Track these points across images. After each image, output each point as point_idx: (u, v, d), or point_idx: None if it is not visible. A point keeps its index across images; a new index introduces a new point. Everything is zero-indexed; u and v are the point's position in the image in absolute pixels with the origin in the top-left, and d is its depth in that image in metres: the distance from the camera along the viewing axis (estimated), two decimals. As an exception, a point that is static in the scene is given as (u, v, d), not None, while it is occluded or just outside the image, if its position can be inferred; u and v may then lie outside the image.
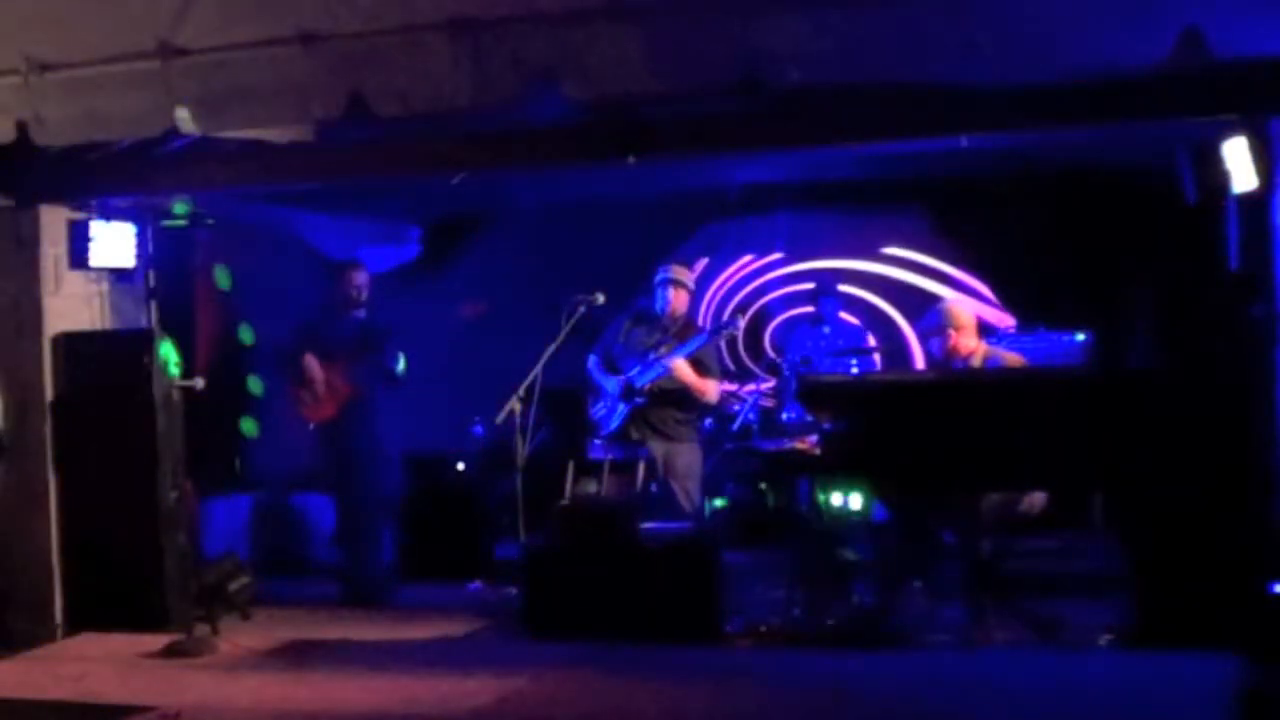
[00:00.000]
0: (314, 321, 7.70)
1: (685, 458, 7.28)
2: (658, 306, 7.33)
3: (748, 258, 9.41)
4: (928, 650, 5.65)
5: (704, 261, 9.45)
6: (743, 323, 7.54)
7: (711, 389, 7.35)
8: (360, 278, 7.76)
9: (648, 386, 7.12)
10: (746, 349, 9.00)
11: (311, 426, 7.58)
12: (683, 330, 7.31)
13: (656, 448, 7.16)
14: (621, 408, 7.19)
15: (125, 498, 6.58)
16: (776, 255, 9.37)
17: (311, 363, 7.48)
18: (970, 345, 6.34)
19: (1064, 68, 4.83)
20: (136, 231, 7.04)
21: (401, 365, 7.47)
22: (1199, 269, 6.03)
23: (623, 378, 7.21)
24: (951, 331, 6.34)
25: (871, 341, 8.69)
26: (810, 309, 8.85)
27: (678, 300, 7.30)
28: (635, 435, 7.17)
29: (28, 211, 6.68)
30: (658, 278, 7.34)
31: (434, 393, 8.36)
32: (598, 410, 7.35)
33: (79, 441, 6.67)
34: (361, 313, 7.70)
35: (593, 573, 5.92)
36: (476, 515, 8.29)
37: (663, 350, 7.15)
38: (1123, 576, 5.72)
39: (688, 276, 7.46)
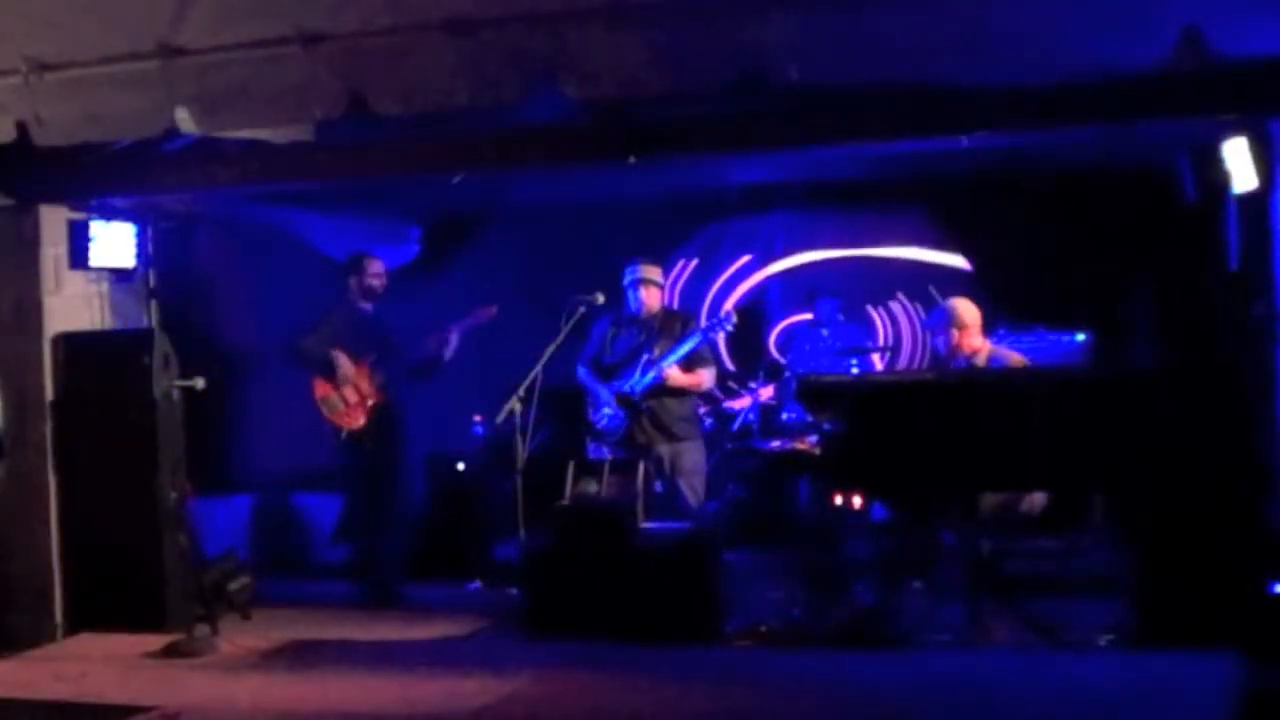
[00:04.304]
0: (330, 318, 7.59)
1: (692, 456, 7.27)
2: (632, 308, 7.31)
3: (746, 258, 9.41)
4: (928, 650, 5.64)
5: (694, 262, 9.45)
6: (735, 317, 7.50)
7: (706, 378, 7.35)
8: (380, 268, 7.72)
9: (647, 392, 7.11)
10: (746, 352, 8.97)
11: (344, 435, 7.48)
12: (669, 325, 7.29)
13: (663, 448, 7.16)
14: (625, 416, 7.16)
15: (125, 498, 6.57)
16: (773, 255, 9.36)
17: (344, 361, 7.40)
18: (974, 344, 6.36)
19: (1064, 68, 4.83)
20: (136, 231, 7.04)
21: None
22: (1199, 269, 6.04)
23: (622, 391, 7.16)
24: (955, 330, 6.35)
25: (870, 342, 8.68)
26: (809, 315, 8.83)
27: (650, 298, 7.29)
28: (641, 439, 7.15)
29: (28, 211, 6.68)
30: (626, 280, 7.31)
31: (434, 393, 8.35)
32: (600, 419, 7.30)
33: (79, 441, 6.67)
34: (370, 307, 7.63)
35: (592, 573, 5.91)
36: (476, 515, 8.29)
37: (656, 353, 7.13)
38: (1123, 576, 5.72)
39: (656, 273, 7.43)
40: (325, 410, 7.45)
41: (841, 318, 8.77)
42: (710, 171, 7.95)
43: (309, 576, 8.31)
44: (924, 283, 8.68)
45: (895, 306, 9.10)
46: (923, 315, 8.62)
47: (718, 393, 8.15)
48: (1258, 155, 5.68)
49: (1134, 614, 5.34)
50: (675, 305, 9.06)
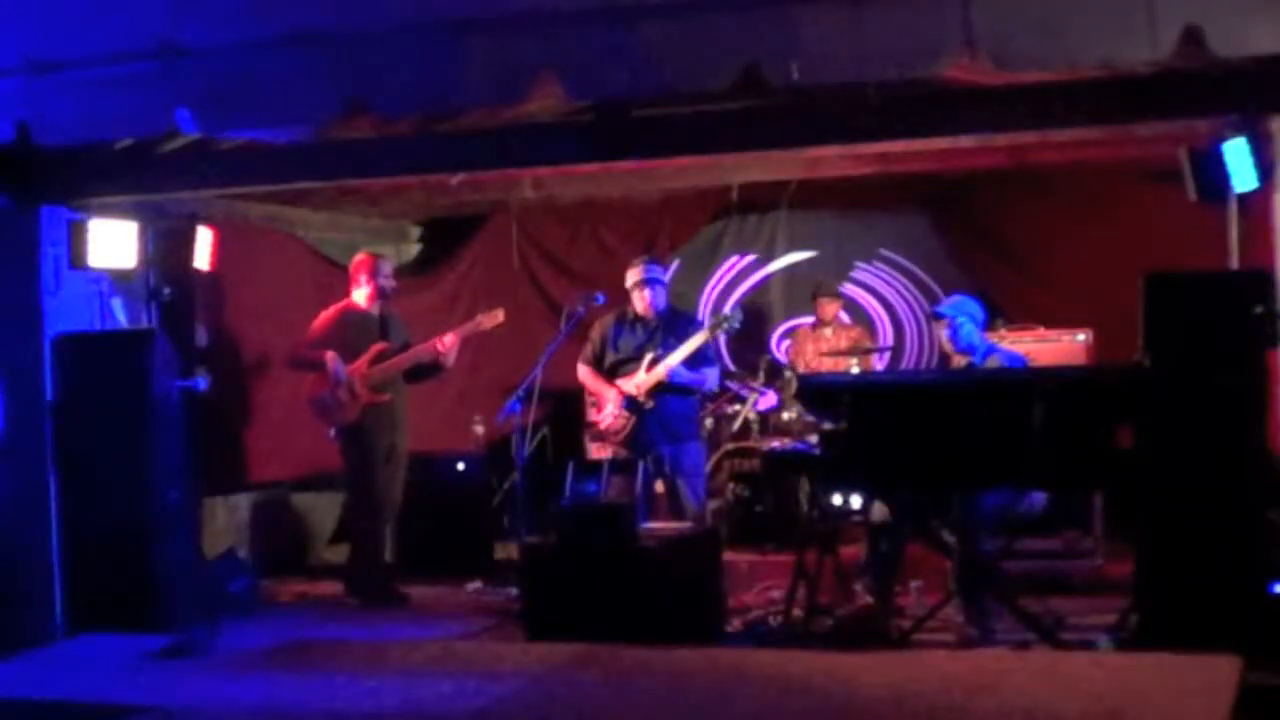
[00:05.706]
0: (334, 319, 7.56)
1: (692, 456, 7.27)
2: (637, 308, 7.30)
3: (742, 257, 9.41)
4: (928, 650, 5.64)
5: (694, 262, 9.45)
6: (741, 314, 7.50)
7: (710, 377, 7.34)
8: (390, 268, 7.70)
9: (650, 390, 7.10)
10: (746, 352, 8.97)
11: (333, 433, 7.49)
12: (672, 324, 7.29)
13: (663, 448, 7.14)
14: (626, 415, 7.14)
15: (125, 498, 6.57)
16: (773, 255, 9.38)
17: (336, 363, 7.39)
18: (975, 343, 6.36)
19: (1064, 67, 4.83)
20: (136, 231, 7.04)
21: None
22: (1199, 269, 6.03)
23: (625, 390, 7.15)
24: (953, 330, 6.35)
25: (871, 342, 8.69)
26: (811, 318, 8.83)
27: (654, 298, 7.27)
28: (643, 439, 7.13)
29: (28, 211, 6.68)
30: (629, 280, 7.29)
31: (434, 393, 8.36)
32: (604, 419, 7.27)
33: (79, 441, 6.66)
34: (378, 308, 7.62)
35: (593, 573, 5.91)
36: (476, 515, 8.29)
37: (660, 351, 7.12)
38: (1123, 576, 5.72)
39: (660, 273, 7.41)
40: (316, 409, 7.44)
41: (846, 318, 8.78)
42: (710, 171, 7.95)
43: (309, 576, 8.31)
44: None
45: (898, 304, 9.11)
46: (926, 309, 8.64)
47: (714, 396, 8.14)
48: (1258, 155, 5.68)
49: (1134, 614, 5.33)
50: (676, 305, 9.08)
